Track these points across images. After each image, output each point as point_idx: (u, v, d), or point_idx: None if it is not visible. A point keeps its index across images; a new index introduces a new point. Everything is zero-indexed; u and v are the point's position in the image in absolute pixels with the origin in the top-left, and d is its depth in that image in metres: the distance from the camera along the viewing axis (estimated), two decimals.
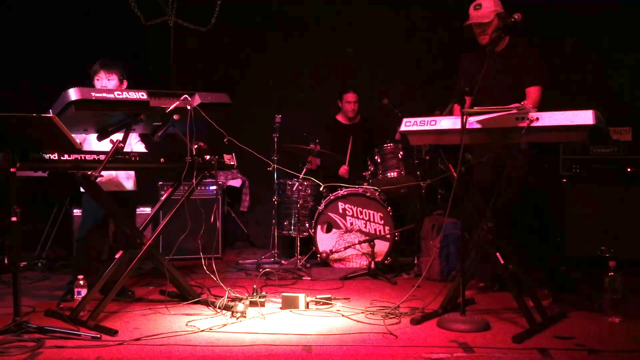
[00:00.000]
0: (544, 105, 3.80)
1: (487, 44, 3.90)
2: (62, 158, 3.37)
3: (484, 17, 3.88)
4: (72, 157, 3.40)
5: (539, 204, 4.11)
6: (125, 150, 3.55)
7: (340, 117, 6.18)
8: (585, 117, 3.08)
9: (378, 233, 5.19)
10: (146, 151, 4.25)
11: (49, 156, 3.32)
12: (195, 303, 3.84)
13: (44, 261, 5.35)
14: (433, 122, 3.47)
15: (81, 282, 3.72)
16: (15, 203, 3.14)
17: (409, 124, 3.54)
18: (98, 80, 4.09)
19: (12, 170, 3.14)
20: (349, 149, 5.86)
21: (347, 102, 6.04)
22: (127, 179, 4.21)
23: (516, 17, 3.54)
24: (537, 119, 3.17)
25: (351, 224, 5.25)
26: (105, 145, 3.63)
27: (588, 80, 5.85)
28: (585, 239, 4.79)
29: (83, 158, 3.44)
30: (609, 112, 3.44)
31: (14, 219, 3.12)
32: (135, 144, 4.25)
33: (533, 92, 3.91)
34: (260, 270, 4.91)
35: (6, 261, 5.09)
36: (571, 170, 5.01)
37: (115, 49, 5.57)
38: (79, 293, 3.69)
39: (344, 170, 5.87)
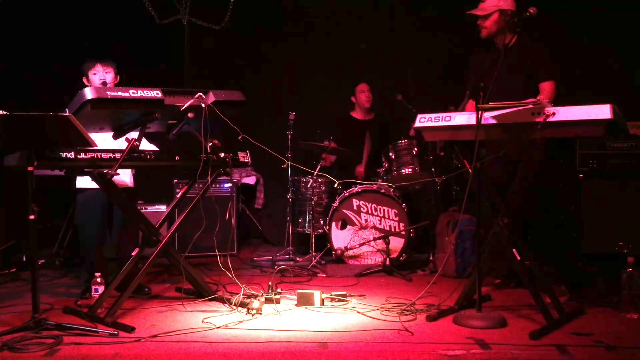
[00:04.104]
0: (556, 99, 3.77)
1: (485, 37, 3.95)
2: (78, 156, 3.40)
3: (481, 10, 3.93)
4: (89, 155, 3.43)
5: (555, 199, 4.08)
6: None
7: (354, 114, 6.18)
8: (602, 111, 3.04)
9: (393, 230, 5.18)
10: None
11: (66, 154, 3.35)
12: (211, 300, 3.86)
13: (61, 259, 5.41)
14: (448, 118, 3.45)
15: (98, 280, 3.75)
16: (33, 201, 3.17)
17: (423, 120, 3.52)
18: (95, 74, 4.12)
19: (29, 168, 3.17)
20: (366, 149, 5.85)
21: (360, 92, 6.05)
22: (125, 175, 4.22)
23: (531, 11, 3.51)
24: (554, 113, 3.13)
25: (366, 220, 5.25)
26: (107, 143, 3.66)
27: (604, 74, 5.77)
28: (602, 235, 4.73)
29: (99, 156, 3.47)
30: (626, 106, 3.39)
31: (31, 217, 3.16)
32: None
33: (547, 87, 3.88)
34: (276, 267, 4.93)
35: (24, 259, 5.16)
36: (588, 166, 4.96)
37: (128, 47, 5.62)
38: (96, 290, 3.72)
39: (360, 170, 5.88)
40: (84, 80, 4.16)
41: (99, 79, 4.11)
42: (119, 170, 4.05)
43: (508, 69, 3.83)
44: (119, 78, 4.21)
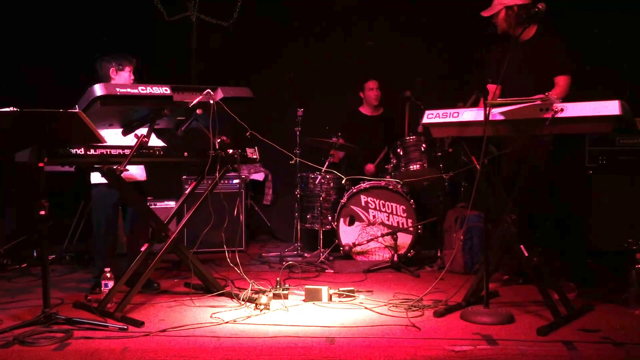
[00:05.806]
0: (569, 94, 3.76)
1: (503, 33, 3.96)
2: (88, 153, 3.43)
3: (487, 10, 3.99)
4: (98, 151, 3.46)
5: (564, 196, 4.07)
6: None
7: (363, 109, 6.19)
8: (611, 107, 3.03)
9: (401, 226, 5.18)
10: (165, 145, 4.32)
11: (76, 151, 3.39)
12: (219, 295, 3.88)
13: (71, 254, 5.46)
14: (456, 114, 3.45)
15: (108, 275, 3.78)
16: (43, 197, 3.20)
17: (431, 116, 3.52)
18: (126, 72, 4.20)
19: (39, 164, 3.20)
20: (384, 151, 5.86)
21: (369, 89, 6.06)
22: (137, 170, 4.27)
23: (540, 6, 3.50)
24: (562, 109, 3.12)
25: (374, 216, 5.25)
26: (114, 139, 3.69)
27: (611, 70, 5.73)
28: (612, 232, 4.72)
29: (109, 152, 3.49)
30: (633, 102, 3.37)
31: (42, 213, 3.19)
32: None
33: (562, 81, 3.86)
34: (284, 263, 4.95)
35: (35, 254, 5.21)
36: (597, 162, 4.95)
37: (133, 44, 5.62)
38: (106, 285, 3.75)
39: (370, 168, 5.88)
40: (112, 71, 4.20)
41: (131, 77, 4.22)
42: (132, 167, 4.09)
43: (524, 63, 3.83)
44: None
